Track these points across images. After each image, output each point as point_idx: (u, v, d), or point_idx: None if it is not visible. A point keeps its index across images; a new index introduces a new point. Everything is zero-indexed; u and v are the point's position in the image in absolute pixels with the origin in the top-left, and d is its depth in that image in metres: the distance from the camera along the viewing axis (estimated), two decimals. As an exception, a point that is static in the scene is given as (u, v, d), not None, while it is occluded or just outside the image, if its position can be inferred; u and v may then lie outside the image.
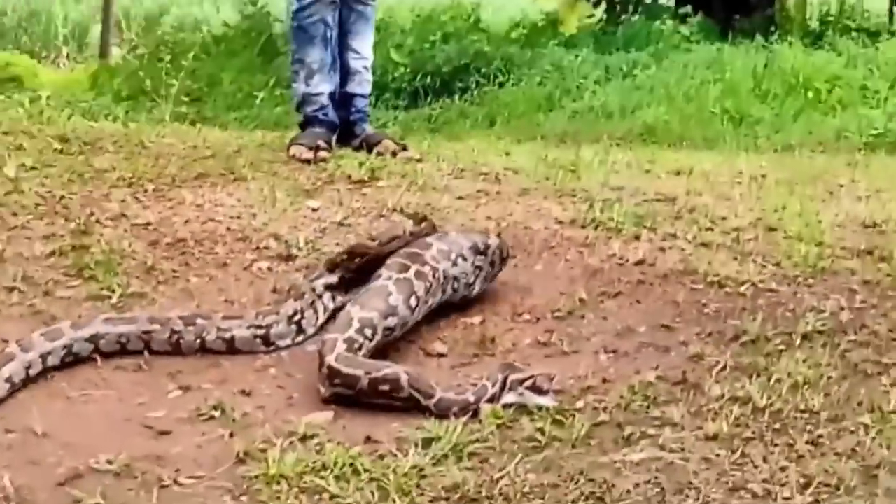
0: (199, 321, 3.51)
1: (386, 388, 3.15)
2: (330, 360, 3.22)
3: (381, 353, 3.43)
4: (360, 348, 3.33)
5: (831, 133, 9.79)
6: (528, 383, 3.13)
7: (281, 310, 3.59)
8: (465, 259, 3.78)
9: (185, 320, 3.50)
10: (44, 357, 3.28)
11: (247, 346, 3.52)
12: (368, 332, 3.39)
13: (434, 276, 3.64)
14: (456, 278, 3.75)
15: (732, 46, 13.28)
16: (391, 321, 3.47)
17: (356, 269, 3.73)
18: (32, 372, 3.24)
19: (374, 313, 3.44)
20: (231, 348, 3.51)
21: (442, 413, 3.07)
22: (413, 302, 3.54)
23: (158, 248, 4.12)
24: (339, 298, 3.72)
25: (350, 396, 3.18)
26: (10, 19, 23.39)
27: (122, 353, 3.43)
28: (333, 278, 3.73)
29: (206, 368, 3.44)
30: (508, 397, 3.12)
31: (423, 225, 3.84)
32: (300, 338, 3.61)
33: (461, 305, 3.77)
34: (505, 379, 3.14)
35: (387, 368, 3.19)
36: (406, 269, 3.59)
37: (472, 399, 3.11)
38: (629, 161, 5.79)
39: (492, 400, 3.11)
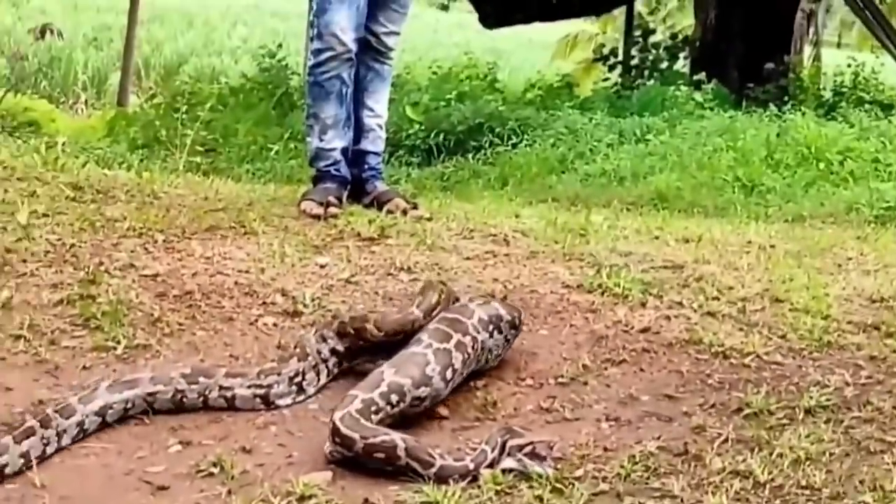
0: (201, 379, 3.51)
1: (381, 455, 3.12)
2: (336, 417, 3.20)
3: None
4: (377, 412, 3.29)
5: (842, 205, 9.81)
6: (527, 449, 3.11)
7: (283, 370, 3.59)
8: (500, 332, 3.74)
9: (187, 379, 3.50)
10: (60, 435, 3.24)
11: (247, 405, 3.53)
12: (395, 397, 3.35)
13: (473, 346, 3.60)
14: (490, 350, 3.71)
15: (746, 115, 13.37)
16: (423, 391, 3.42)
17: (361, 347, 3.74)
18: (49, 450, 3.20)
19: (407, 380, 3.39)
20: (231, 406, 3.52)
21: (441, 481, 3.05)
22: (449, 374, 3.49)
23: (165, 300, 4.12)
24: (345, 363, 3.73)
25: (349, 458, 3.16)
26: (30, 64, 23.62)
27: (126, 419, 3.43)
28: (340, 346, 3.73)
29: (207, 424, 3.43)
30: (507, 462, 3.11)
31: (436, 311, 3.75)
32: (301, 397, 3.61)
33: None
34: (504, 443, 3.13)
35: (384, 435, 3.14)
36: (448, 338, 3.53)
37: (471, 466, 3.09)
38: (638, 227, 5.79)
39: (491, 465, 3.10)
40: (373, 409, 3.28)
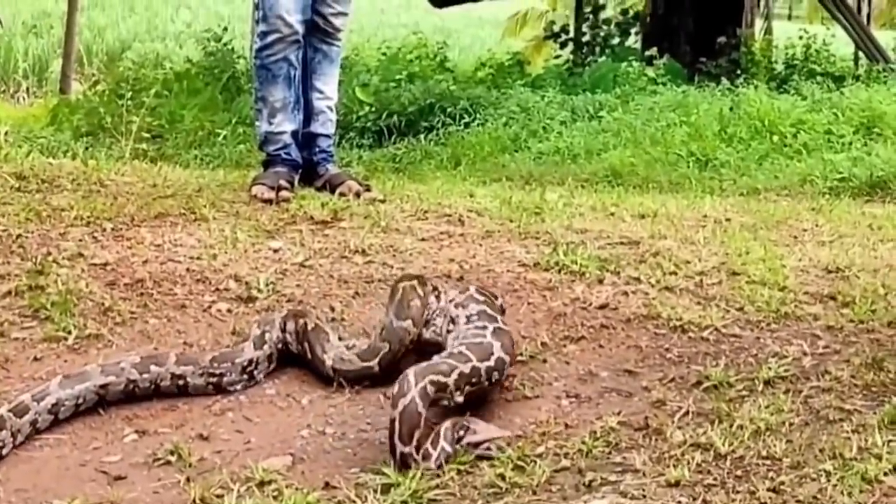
0: (153, 368, 3.46)
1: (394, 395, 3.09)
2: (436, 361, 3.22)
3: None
4: (474, 384, 3.25)
5: (796, 177, 9.85)
6: (483, 447, 3.07)
7: (236, 359, 3.56)
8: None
9: (139, 368, 3.45)
10: (14, 435, 3.18)
11: (199, 391, 3.51)
12: (496, 375, 3.34)
13: None
14: None
15: (698, 89, 13.40)
16: (506, 371, 3.43)
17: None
18: (5, 451, 3.15)
19: (507, 357, 3.41)
20: (184, 393, 3.50)
21: (403, 467, 3.00)
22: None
23: (116, 289, 4.06)
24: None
25: None
26: (-32, 53, 23.31)
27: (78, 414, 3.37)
28: (293, 346, 3.68)
29: (162, 412, 3.39)
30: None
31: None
32: (251, 384, 3.58)
33: (422, 350, 3.71)
34: (459, 439, 3.07)
35: (404, 396, 3.07)
36: (496, 319, 3.57)
37: (433, 466, 3.01)
38: (594, 204, 5.79)
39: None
40: (473, 380, 3.26)
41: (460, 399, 3.22)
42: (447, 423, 3.11)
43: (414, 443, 3.03)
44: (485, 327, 3.48)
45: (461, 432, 3.09)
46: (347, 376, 3.56)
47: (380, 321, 3.79)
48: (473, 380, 3.26)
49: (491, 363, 3.32)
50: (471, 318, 3.56)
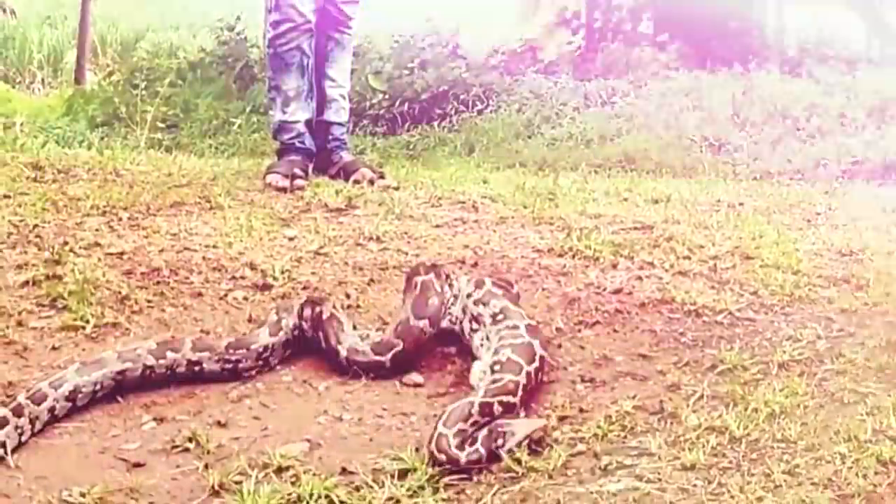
0: (169, 354, 3.48)
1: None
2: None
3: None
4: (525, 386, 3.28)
5: (809, 161, 9.81)
6: (524, 444, 3.02)
7: (252, 345, 3.57)
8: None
9: (155, 354, 3.47)
10: (33, 422, 3.19)
11: (214, 378, 3.53)
12: (539, 375, 3.38)
13: None
14: None
15: (711, 74, 13.33)
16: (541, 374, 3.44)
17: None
18: (24, 438, 3.16)
19: (546, 353, 3.45)
20: (200, 378, 3.51)
21: (432, 458, 2.97)
22: None
23: (133, 278, 4.08)
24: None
25: None
26: (-18, 44, 23.27)
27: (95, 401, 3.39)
28: (308, 332, 3.68)
29: (180, 399, 3.41)
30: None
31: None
32: (266, 370, 3.60)
33: (439, 336, 3.72)
34: (499, 447, 3.00)
35: (466, 398, 3.14)
36: (522, 315, 3.59)
37: (463, 459, 2.96)
38: (607, 189, 5.79)
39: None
40: (528, 387, 3.29)
41: (522, 413, 3.22)
42: (483, 431, 3.05)
43: (454, 429, 3.02)
44: (516, 327, 3.49)
45: (499, 441, 3.01)
46: (360, 366, 3.58)
47: (396, 309, 3.80)
48: (529, 387, 3.29)
49: (537, 363, 3.35)
50: (497, 318, 3.56)
